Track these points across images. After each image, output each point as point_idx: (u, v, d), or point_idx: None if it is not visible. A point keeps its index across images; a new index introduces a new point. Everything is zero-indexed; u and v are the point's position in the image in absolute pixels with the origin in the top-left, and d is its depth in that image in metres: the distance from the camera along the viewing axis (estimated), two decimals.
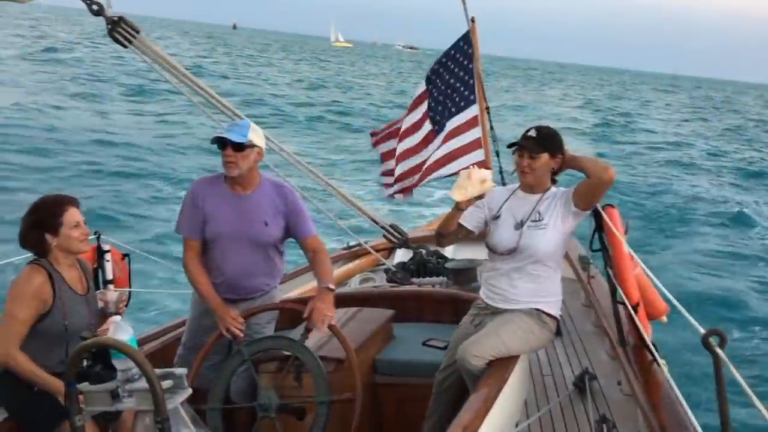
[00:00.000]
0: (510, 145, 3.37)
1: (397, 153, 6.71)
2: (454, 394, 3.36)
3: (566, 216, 3.26)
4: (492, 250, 3.38)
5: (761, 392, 2.00)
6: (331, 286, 3.45)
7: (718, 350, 2.03)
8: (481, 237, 3.51)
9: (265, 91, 38.45)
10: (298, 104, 34.29)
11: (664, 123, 44.28)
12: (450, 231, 3.39)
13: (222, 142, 3.44)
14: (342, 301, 4.44)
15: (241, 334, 3.41)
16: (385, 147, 6.96)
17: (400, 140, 6.72)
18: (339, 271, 5.97)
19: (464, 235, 3.47)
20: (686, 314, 2.37)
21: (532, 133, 3.29)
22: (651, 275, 2.92)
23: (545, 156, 3.28)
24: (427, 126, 6.65)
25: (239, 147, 3.43)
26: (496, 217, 3.38)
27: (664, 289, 2.71)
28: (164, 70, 4.44)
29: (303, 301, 3.69)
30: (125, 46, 4.21)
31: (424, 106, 6.70)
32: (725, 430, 2.09)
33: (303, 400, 3.26)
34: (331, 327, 3.35)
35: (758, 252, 14.55)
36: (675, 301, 2.53)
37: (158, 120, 25.39)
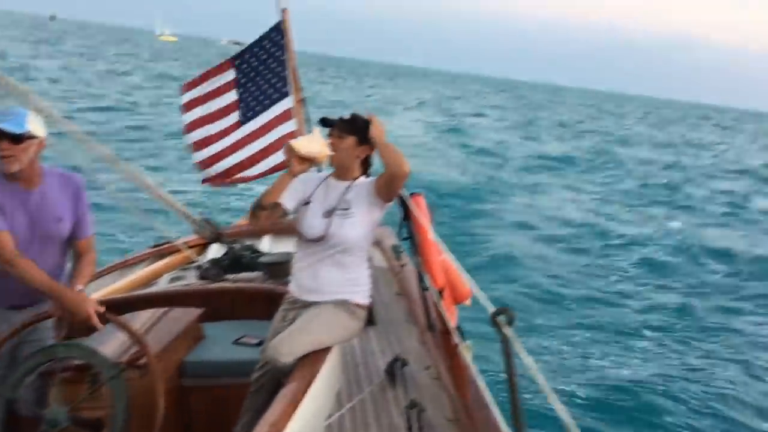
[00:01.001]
0: (321, 121, 3.35)
1: (203, 134, 6.42)
2: (270, 392, 3.24)
3: (372, 206, 3.26)
4: (301, 237, 3.33)
5: (546, 367, 2.08)
6: (80, 288, 3.22)
7: (506, 330, 2.09)
8: (296, 230, 3.43)
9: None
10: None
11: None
12: (270, 203, 3.22)
13: None
14: (147, 302, 4.15)
15: None
16: (197, 135, 6.58)
17: (204, 124, 6.43)
18: (146, 270, 5.61)
19: (280, 215, 3.32)
20: (479, 293, 2.43)
21: (346, 115, 3.31)
22: (454, 259, 3.00)
23: (351, 139, 3.28)
24: (235, 116, 6.44)
25: (17, 139, 3.06)
26: (307, 203, 3.33)
27: (462, 271, 2.78)
28: None
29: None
30: None
31: (233, 94, 6.47)
32: (515, 406, 2.17)
33: (98, 413, 3.01)
34: (129, 331, 3.11)
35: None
36: (471, 281, 2.59)
37: None
